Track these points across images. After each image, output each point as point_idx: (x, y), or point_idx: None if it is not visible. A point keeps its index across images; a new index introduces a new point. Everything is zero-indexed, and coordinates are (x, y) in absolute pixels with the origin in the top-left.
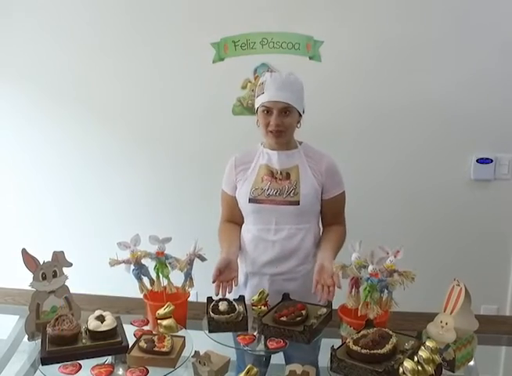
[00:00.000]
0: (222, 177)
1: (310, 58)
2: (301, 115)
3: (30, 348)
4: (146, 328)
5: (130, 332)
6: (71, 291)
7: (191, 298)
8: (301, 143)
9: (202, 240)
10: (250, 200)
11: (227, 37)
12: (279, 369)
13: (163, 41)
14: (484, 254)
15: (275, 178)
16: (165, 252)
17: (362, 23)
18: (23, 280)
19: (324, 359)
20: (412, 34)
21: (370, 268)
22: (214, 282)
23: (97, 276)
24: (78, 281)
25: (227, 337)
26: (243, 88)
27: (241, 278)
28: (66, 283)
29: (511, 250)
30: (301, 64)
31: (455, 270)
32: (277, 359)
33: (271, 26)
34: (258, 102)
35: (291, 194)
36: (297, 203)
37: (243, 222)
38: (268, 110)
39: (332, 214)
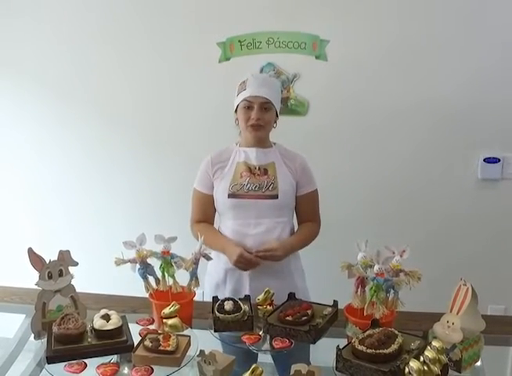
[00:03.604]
0: None
1: (316, 57)
2: (277, 115)
3: (36, 347)
4: (151, 327)
5: (135, 331)
6: (77, 290)
7: (196, 298)
8: (275, 144)
9: None
10: (230, 196)
11: (233, 37)
12: (265, 366)
13: (169, 40)
14: (492, 253)
15: (254, 173)
16: (171, 251)
17: (368, 23)
18: (29, 279)
19: (327, 359)
20: (418, 32)
21: (376, 267)
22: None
23: (103, 275)
24: (84, 280)
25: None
26: None
27: (221, 274)
28: (71, 283)
29: None
30: (308, 64)
31: (462, 270)
32: (264, 357)
33: (277, 25)
34: (239, 98)
35: (270, 188)
36: (276, 197)
37: (213, 223)
38: (249, 106)
39: (305, 211)
